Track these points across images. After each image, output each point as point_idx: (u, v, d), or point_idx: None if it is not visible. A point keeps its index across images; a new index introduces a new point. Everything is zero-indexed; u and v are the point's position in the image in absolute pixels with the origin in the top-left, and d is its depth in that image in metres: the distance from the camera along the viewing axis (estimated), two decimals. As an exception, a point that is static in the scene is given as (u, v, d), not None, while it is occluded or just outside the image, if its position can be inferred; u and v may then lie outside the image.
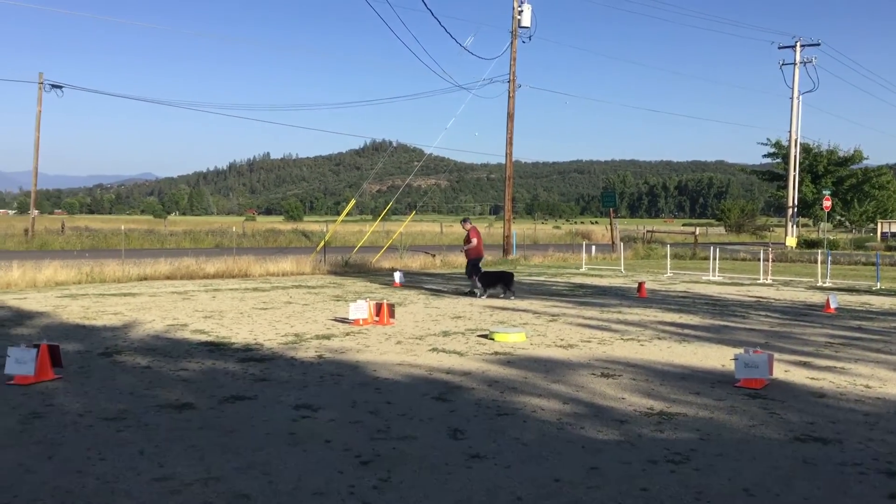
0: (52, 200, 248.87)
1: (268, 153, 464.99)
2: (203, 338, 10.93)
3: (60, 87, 39.66)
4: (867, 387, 8.26)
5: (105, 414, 6.70)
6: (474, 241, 18.15)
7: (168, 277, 20.89)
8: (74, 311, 13.69)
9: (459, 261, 28.61)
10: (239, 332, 11.47)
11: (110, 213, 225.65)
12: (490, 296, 17.07)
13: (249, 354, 9.67)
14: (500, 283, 17.22)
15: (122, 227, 38.56)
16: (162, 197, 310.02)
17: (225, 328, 11.88)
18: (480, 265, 18.16)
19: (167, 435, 6.09)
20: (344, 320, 12.74)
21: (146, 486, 4.95)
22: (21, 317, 12.85)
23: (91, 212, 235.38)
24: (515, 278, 18.23)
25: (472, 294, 17.47)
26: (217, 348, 10.09)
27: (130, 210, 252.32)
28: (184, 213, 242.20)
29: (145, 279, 20.40)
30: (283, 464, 5.43)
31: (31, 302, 14.95)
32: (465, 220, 19.35)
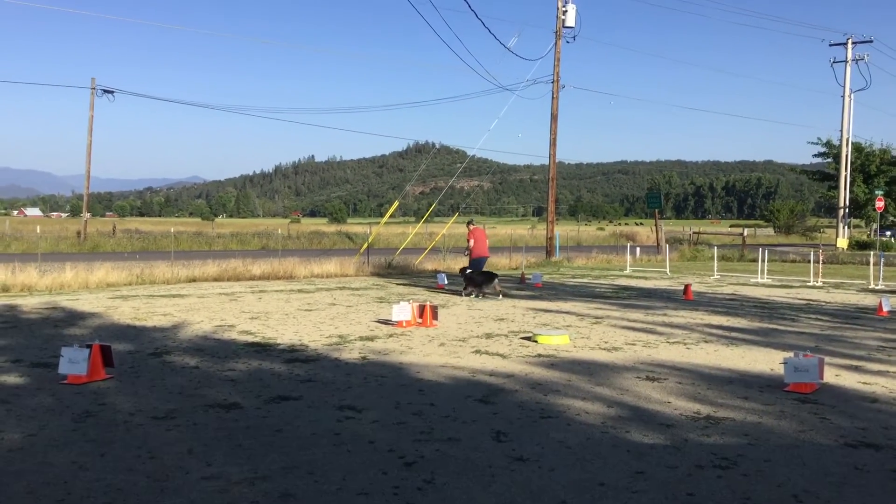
0: (103, 203, 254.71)
1: (312, 156, 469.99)
2: (250, 339, 11.08)
3: (112, 91, 40.59)
4: (922, 392, 8.05)
5: (155, 413, 6.84)
6: (471, 242, 19.12)
7: (216, 279, 21.23)
8: (125, 311, 13.99)
9: (502, 263, 28.58)
10: (284, 334, 11.60)
11: (159, 216, 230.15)
12: (485, 295, 17.39)
13: (294, 355, 9.78)
14: (485, 283, 17.56)
15: (171, 230, 39.30)
16: (209, 199, 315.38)
17: (271, 329, 12.04)
18: (482, 266, 18.90)
19: (215, 434, 6.19)
20: (387, 322, 12.81)
21: (195, 484, 5.05)
22: (74, 317, 13.18)
23: (141, 214, 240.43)
24: (559, 280, 18.31)
25: (468, 295, 17.72)
26: (263, 349, 10.23)
27: (179, 213, 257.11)
28: (231, 216, 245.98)
29: (193, 281, 20.76)
30: (327, 464, 5.49)
31: (84, 303, 15.32)
32: (468, 223, 20.27)
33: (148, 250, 37.79)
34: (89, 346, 8.16)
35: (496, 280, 17.60)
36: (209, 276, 21.27)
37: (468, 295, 17.63)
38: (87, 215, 44.73)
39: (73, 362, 8.02)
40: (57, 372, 8.19)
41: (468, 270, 18.26)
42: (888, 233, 54.91)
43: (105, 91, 40.45)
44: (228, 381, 8.19)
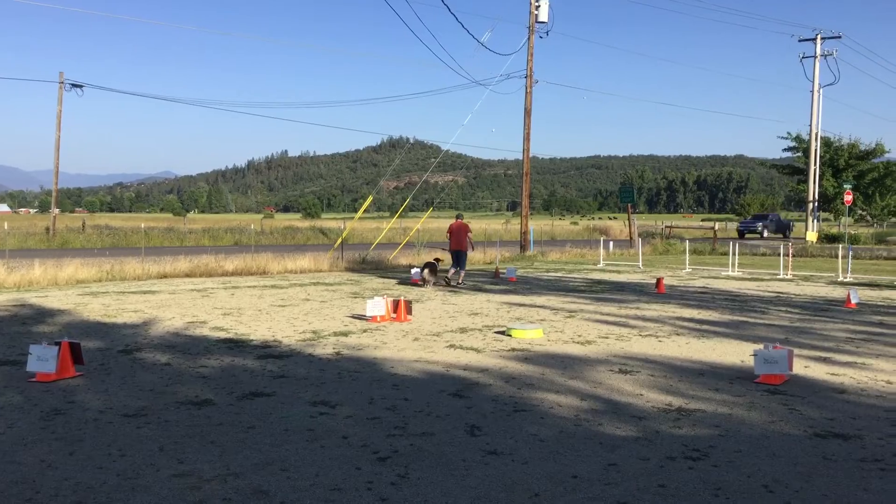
0: (72, 199, 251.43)
1: (286, 151, 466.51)
2: (222, 335, 11.00)
3: (81, 86, 39.96)
4: (888, 382, 8.19)
5: (125, 410, 6.77)
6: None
7: (187, 275, 21.04)
8: (95, 308, 13.82)
9: (476, 257, 28.60)
10: (257, 330, 11.53)
11: (130, 212, 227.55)
12: (434, 284, 18.74)
13: (268, 351, 9.72)
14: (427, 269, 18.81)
15: (142, 226, 38.87)
16: (181, 195, 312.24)
17: (244, 325, 11.95)
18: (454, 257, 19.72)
19: (187, 431, 6.14)
20: (361, 317, 12.78)
21: (166, 481, 5.00)
22: (43, 314, 13.00)
23: (111, 210, 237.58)
24: (533, 274, 18.71)
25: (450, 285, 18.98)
26: (236, 345, 10.15)
27: (150, 208, 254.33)
28: (203, 211, 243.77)
29: (165, 277, 20.57)
30: (301, 460, 5.46)
31: (53, 300, 15.10)
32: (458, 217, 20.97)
33: (118, 246, 37.34)
34: (58, 344, 8.06)
35: (426, 269, 18.75)
36: (181, 273, 21.07)
37: (436, 285, 18.86)
38: (56, 211, 44.05)
39: (42, 360, 7.91)
40: (25, 370, 8.08)
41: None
42: (759, 224, 56.85)
43: (74, 85, 39.83)
44: (200, 378, 8.12)
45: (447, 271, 19.43)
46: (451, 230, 19.72)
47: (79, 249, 33.36)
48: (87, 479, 5.02)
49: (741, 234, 54.74)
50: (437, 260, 19.66)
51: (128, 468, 5.25)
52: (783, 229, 58.14)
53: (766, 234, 55.99)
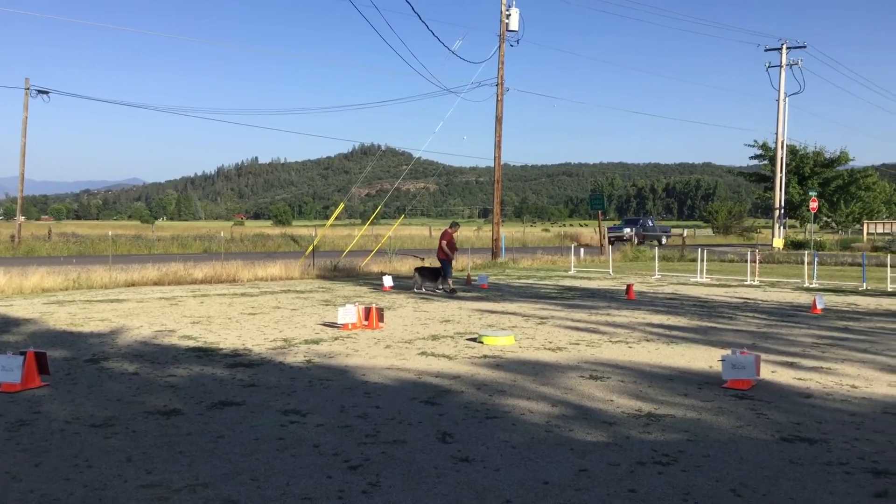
0: (38, 206, 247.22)
1: (256, 157, 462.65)
2: (191, 343, 10.89)
3: (47, 92, 39.43)
4: (853, 387, 8.32)
5: (92, 421, 6.67)
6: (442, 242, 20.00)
7: (156, 283, 20.81)
8: (61, 317, 13.62)
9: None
10: (227, 338, 11.43)
11: (98, 219, 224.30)
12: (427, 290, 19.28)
13: (238, 360, 9.65)
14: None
15: (110, 233, 38.40)
16: (150, 202, 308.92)
17: (213, 334, 11.85)
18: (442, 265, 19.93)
19: (155, 441, 6.07)
20: (333, 325, 12.73)
21: (134, 492, 4.94)
22: (7, 324, 12.77)
23: (78, 217, 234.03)
24: (505, 281, 18.92)
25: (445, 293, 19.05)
26: (205, 354, 10.06)
27: (118, 216, 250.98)
28: (172, 219, 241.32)
29: (133, 285, 20.32)
30: (271, 469, 5.42)
31: (18, 309, 14.85)
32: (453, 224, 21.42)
33: (85, 254, 36.80)
34: (23, 353, 7.92)
35: (425, 274, 19.58)
36: (149, 281, 20.83)
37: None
38: (22, 218, 43.33)
39: (7, 370, 7.78)
40: (-11, 380, 7.93)
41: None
42: (627, 229, 53.24)
43: (40, 91, 39.29)
44: (169, 388, 8.04)
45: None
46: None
47: (45, 257, 32.85)
48: (54, 491, 4.94)
49: (610, 241, 45.11)
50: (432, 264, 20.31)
51: (95, 479, 5.18)
52: (657, 236, 54.24)
53: (634, 240, 50.79)
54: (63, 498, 4.83)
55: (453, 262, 19.96)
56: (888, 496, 4.98)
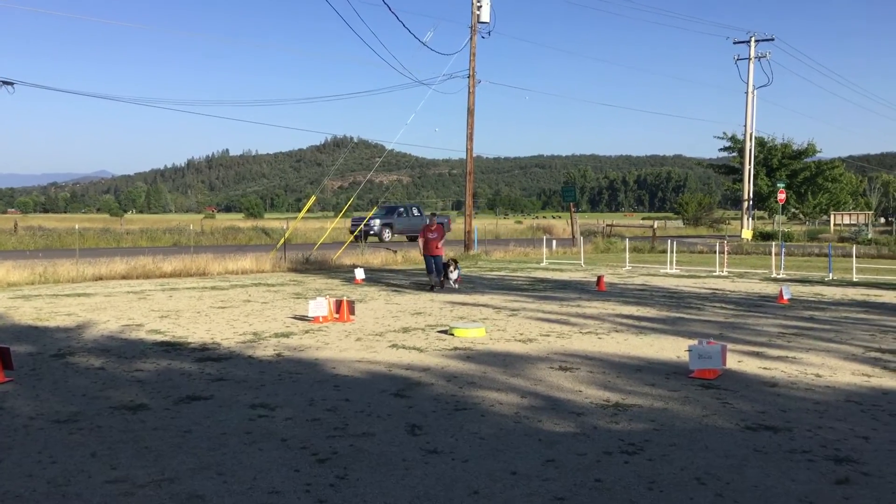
0: (4, 199, 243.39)
1: (227, 150, 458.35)
2: (159, 338, 10.79)
3: (11, 83, 38.61)
4: (818, 376, 8.45)
5: (57, 416, 6.59)
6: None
7: (124, 277, 20.57)
8: (27, 312, 13.41)
9: (418, 257, 28.58)
10: (196, 332, 11.34)
11: (65, 212, 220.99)
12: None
13: (206, 354, 9.57)
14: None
15: (77, 227, 37.86)
16: (118, 195, 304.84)
17: (181, 328, 11.74)
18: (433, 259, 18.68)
19: (120, 437, 6.01)
20: (303, 318, 12.67)
21: (98, 488, 4.88)
22: (-29, 319, 12.56)
23: (45, 210, 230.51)
24: (477, 273, 18.62)
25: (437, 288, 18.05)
26: (173, 348, 9.97)
27: (86, 209, 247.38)
28: (141, 212, 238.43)
29: (100, 279, 20.07)
30: (238, 463, 5.39)
31: (-18, 304, 14.60)
32: (433, 215, 20.48)
33: (52, 248, 36.26)
34: (-15, 349, 7.80)
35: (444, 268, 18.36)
36: (117, 274, 20.59)
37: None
38: (-14, 212, 42.68)
39: (-32, 366, 7.65)
40: (-50, 376, 7.80)
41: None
42: (375, 221, 39.54)
43: (4, 83, 38.56)
44: (135, 382, 7.96)
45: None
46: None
47: (10, 251, 32.30)
48: (16, 488, 4.87)
49: (356, 238, 33.37)
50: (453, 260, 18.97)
51: (58, 475, 5.12)
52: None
53: (388, 236, 40.82)
54: (25, 494, 4.77)
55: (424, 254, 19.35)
56: (850, 483, 5.07)
